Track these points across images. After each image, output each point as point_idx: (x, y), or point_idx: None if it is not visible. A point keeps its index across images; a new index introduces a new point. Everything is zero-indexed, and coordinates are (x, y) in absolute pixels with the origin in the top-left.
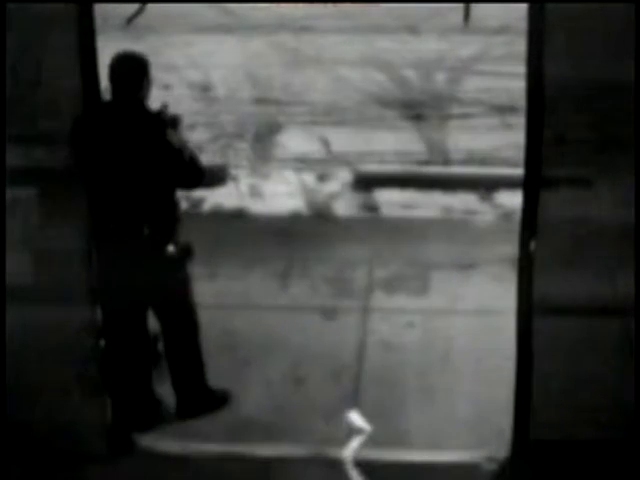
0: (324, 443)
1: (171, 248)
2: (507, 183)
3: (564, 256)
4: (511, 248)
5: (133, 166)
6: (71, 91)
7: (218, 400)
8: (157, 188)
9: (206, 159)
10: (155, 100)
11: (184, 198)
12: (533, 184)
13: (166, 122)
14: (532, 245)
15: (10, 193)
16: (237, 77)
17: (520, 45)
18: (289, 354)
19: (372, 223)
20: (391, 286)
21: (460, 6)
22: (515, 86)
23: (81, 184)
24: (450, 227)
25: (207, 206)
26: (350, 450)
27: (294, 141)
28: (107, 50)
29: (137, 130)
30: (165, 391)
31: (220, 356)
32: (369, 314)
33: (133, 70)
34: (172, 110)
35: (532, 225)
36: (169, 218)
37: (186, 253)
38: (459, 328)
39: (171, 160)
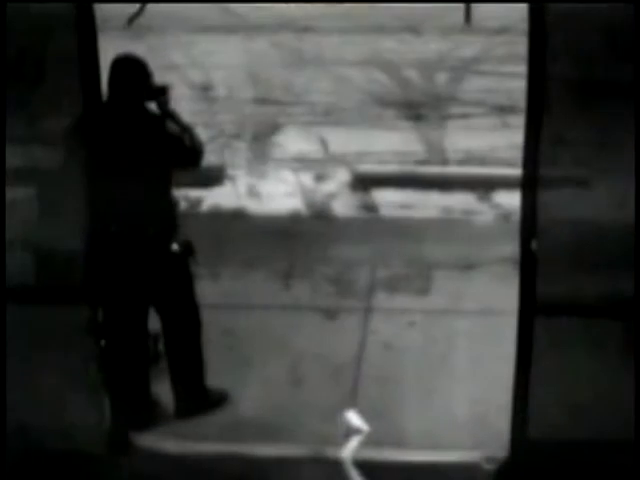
0: (323, 443)
1: (175, 246)
2: (506, 183)
3: (563, 256)
4: (510, 248)
5: (137, 165)
6: (71, 91)
7: (217, 400)
8: (161, 186)
9: (204, 159)
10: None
11: (183, 198)
12: (531, 184)
13: (163, 113)
14: (533, 245)
15: (10, 193)
16: (238, 77)
17: (521, 45)
18: (289, 354)
19: (371, 223)
20: (391, 286)
21: (461, 6)
22: (515, 86)
23: (81, 184)
24: (449, 227)
25: (205, 206)
26: (349, 450)
27: (293, 141)
28: (108, 50)
29: (139, 130)
30: (164, 390)
31: (220, 356)
32: (369, 314)
33: (136, 73)
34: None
35: (531, 225)
36: (172, 216)
37: (188, 251)
38: (460, 328)
39: (173, 149)
